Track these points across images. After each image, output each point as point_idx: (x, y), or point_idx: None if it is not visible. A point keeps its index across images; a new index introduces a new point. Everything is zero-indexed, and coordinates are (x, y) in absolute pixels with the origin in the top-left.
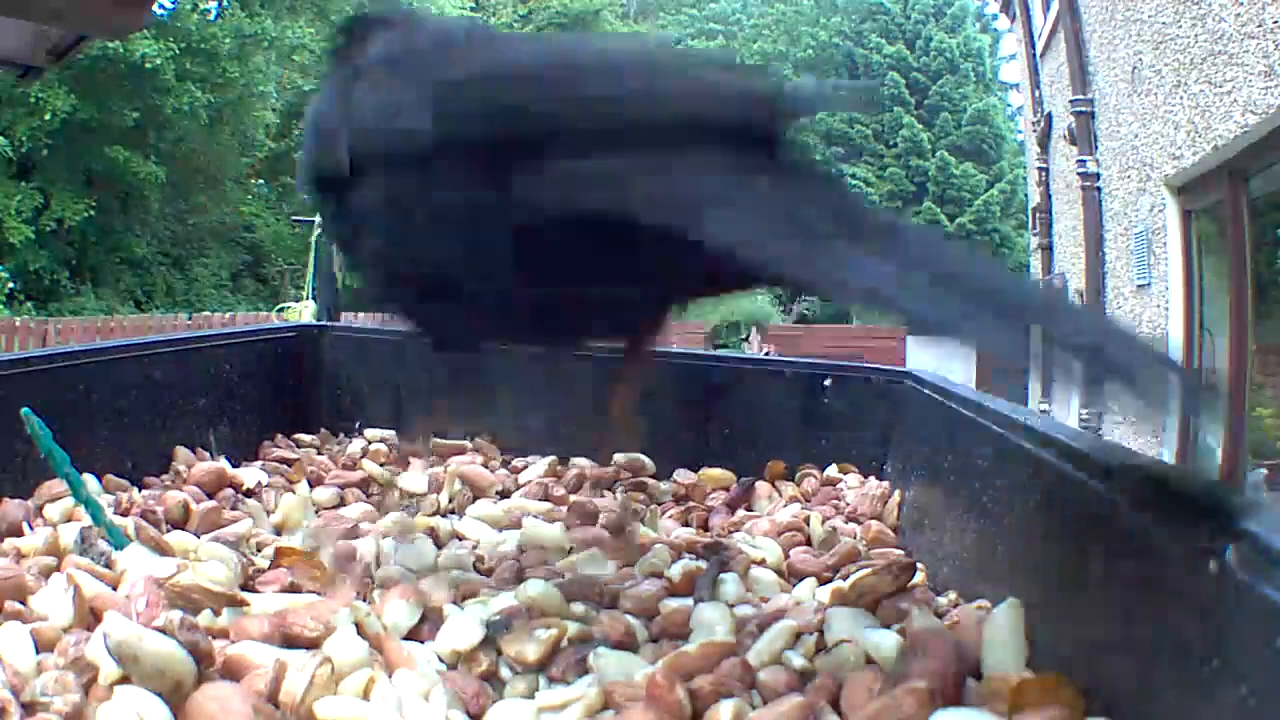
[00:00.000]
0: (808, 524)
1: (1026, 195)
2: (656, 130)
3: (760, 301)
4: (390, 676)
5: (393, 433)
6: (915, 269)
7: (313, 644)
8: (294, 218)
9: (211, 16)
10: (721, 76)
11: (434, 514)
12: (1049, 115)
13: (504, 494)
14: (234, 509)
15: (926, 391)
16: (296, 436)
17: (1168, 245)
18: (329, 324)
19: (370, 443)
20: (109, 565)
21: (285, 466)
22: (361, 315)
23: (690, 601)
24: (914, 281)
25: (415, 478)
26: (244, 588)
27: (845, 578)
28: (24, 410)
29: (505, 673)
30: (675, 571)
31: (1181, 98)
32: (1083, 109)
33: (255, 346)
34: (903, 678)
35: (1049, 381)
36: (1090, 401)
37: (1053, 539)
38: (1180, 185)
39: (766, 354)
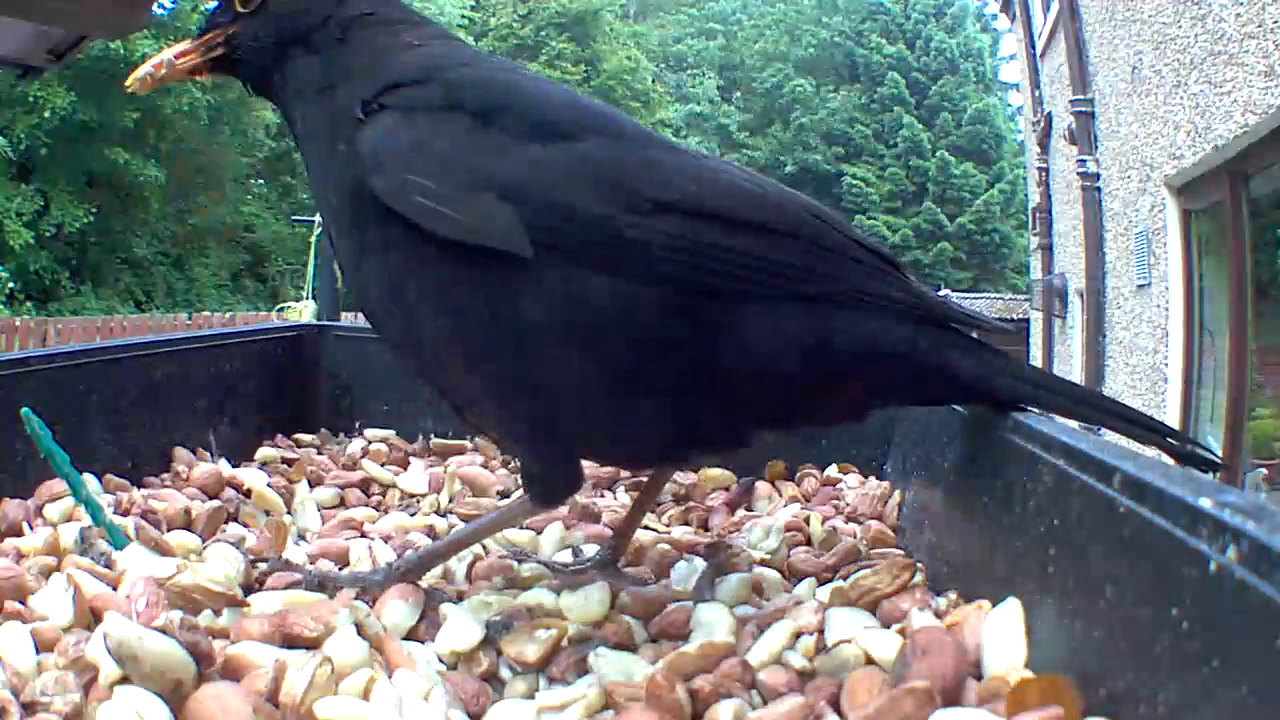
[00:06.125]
0: (808, 524)
1: (1026, 195)
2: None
3: None
4: (390, 676)
5: (393, 433)
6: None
7: (313, 644)
8: (294, 218)
9: None
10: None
11: (434, 514)
12: (1049, 115)
13: (504, 494)
14: (235, 512)
15: None
16: (296, 436)
17: (1168, 245)
18: (329, 324)
19: (370, 443)
20: (109, 565)
21: (285, 466)
22: (361, 315)
23: (690, 602)
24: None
25: (415, 478)
26: (245, 588)
27: (845, 578)
28: (24, 410)
29: (505, 673)
30: (678, 575)
31: (1181, 98)
32: (1083, 109)
33: (255, 346)
34: (903, 678)
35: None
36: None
37: (1053, 539)
38: (1180, 185)
39: None
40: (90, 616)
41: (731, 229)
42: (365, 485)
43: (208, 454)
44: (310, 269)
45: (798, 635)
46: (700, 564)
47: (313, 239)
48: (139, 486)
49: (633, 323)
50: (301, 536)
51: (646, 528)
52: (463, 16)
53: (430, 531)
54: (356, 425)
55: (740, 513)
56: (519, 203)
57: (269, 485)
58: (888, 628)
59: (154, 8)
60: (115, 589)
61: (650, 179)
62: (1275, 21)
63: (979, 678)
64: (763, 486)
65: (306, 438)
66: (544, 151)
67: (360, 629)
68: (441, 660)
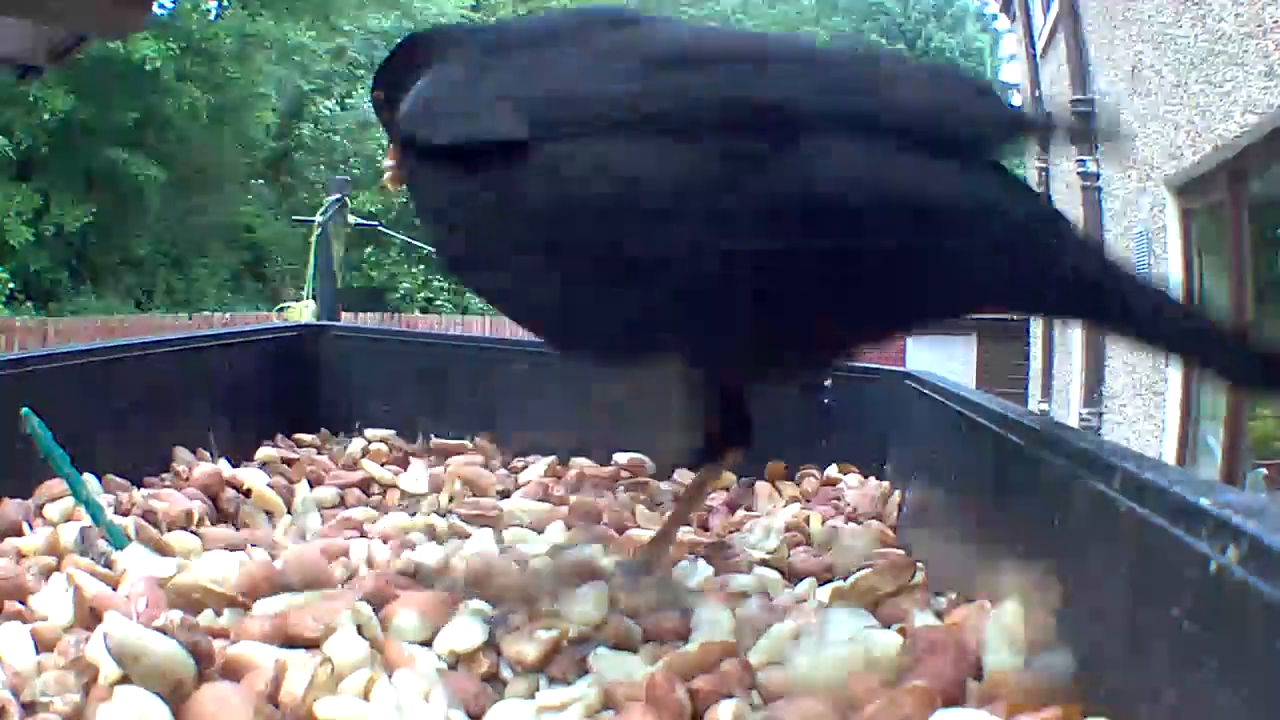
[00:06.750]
0: (808, 524)
1: None
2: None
3: None
4: (390, 676)
5: (393, 433)
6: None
7: (313, 644)
8: (294, 218)
9: (212, 16)
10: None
11: (433, 514)
12: (1049, 115)
13: (504, 494)
14: (235, 512)
15: (926, 391)
16: (296, 436)
17: (1168, 245)
18: (329, 324)
19: (370, 443)
20: (109, 565)
21: (285, 466)
22: (361, 315)
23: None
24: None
25: (415, 478)
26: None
27: (845, 578)
28: (24, 410)
29: (506, 673)
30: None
31: (1181, 98)
32: (1083, 109)
33: (255, 346)
34: (903, 678)
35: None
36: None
37: (1053, 539)
38: (1180, 185)
39: None
40: (90, 616)
41: (758, 67)
42: (365, 485)
43: (208, 454)
44: (310, 269)
45: (798, 635)
46: (701, 564)
47: (313, 239)
48: (139, 486)
49: (648, 190)
50: (301, 536)
51: (646, 528)
52: (462, 16)
53: (430, 531)
54: (356, 425)
55: (740, 513)
56: (519, 96)
57: (269, 485)
58: (888, 628)
59: (154, 8)
60: (115, 589)
61: (661, 50)
62: (1275, 21)
63: (979, 678)
64: (763, 486)
65: (306, 438)
66: (549, 53)
67: (360, 629)
68: (441, 659)
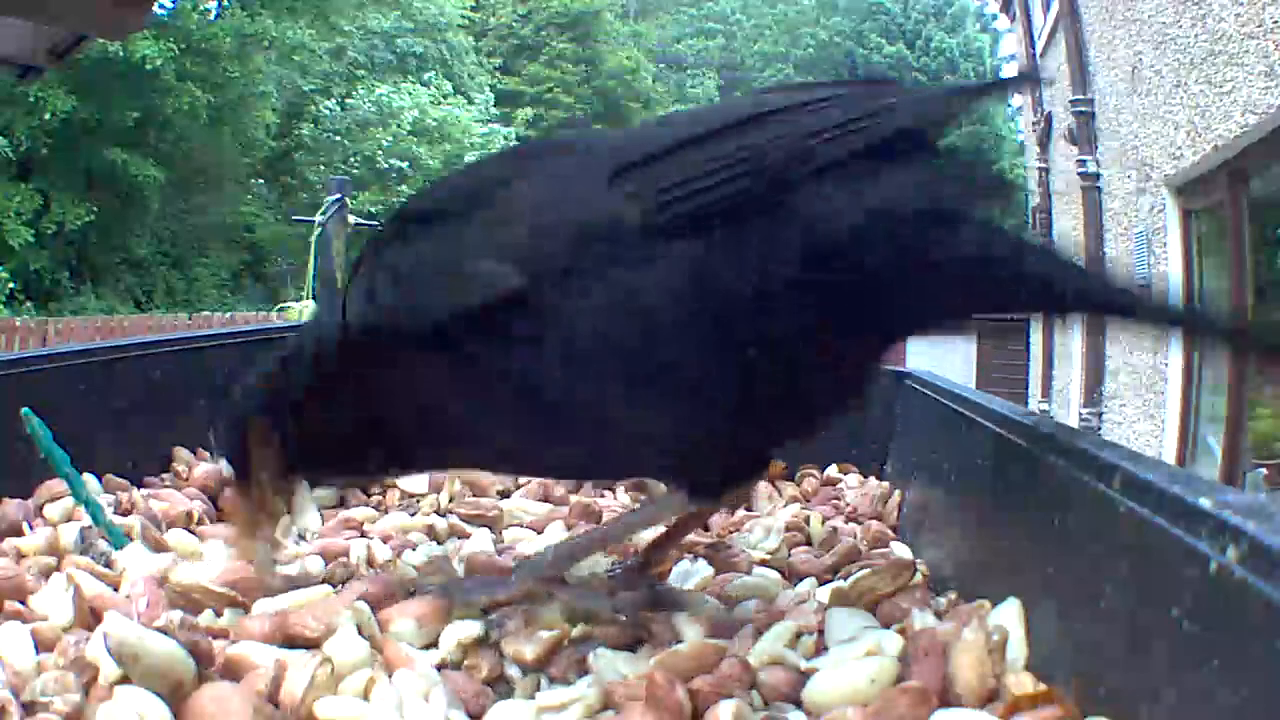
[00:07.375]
0: (808, 524)
1: (1027, 195)
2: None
3: None
4: (390, 676)
5: None
6: None
7: (313, 644)
8: (294, 218)
9: (211, 16)
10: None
11: (434, 514)
12: (1049, 115)
13: (504, 494)
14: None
15: (926, 391)
16: None
17: (1168, 245)
18: None
19: None
20: (109, 565)
21: None
22: None
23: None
24: None
25: (415, 478)
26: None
27: (845, 578)
28: (24, 410)
29: (513, 671)
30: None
31: (1181, 98)
32: (1083, 109)
33: (255, 346)
34: (903, 678)
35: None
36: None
37: (1053, 539)
38: (1180, 185)
39: None
40: (90, 616)
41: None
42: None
43: (208, 454)
44: (310, 269)
45: (798, 635)
46: (701, 564)
47: (313, 239)
48: (139, 486)
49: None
50: (301, 536)
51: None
52: (463, 16)
53: (430, 531)
54: None
55: (740, 513)
56: (498, 244)
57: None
58: (888, 628)
59: (154, 8)
60: (115, 589)
61: (623, 153)
62: (1275, 21)
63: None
64: (763, 486)
65: None
66: (506, 194)
67: (360, 629)
68: (443, 657)
